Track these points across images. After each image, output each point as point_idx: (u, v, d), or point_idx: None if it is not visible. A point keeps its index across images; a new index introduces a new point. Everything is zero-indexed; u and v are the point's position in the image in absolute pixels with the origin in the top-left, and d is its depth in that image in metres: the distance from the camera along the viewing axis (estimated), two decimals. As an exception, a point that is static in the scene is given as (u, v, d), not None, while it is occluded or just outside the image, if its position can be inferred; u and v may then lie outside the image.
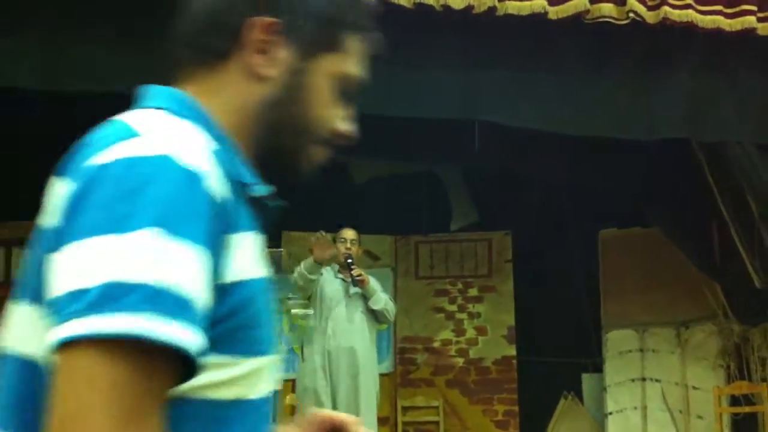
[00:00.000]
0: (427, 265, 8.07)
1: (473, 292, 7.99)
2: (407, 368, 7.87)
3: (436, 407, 7.67)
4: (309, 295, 5.70)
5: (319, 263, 5.57)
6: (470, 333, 7.92)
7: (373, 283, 5.72)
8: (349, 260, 5.63)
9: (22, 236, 6.20)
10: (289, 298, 5.72)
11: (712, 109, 5.14)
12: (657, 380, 7.33)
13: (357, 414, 5.39)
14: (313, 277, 5.56)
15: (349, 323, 5.57)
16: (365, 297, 5.65)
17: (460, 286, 8.01)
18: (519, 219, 7.74)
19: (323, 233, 5.66)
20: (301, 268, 5.59)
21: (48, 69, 4.61)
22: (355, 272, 5.57)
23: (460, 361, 7.87)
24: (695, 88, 5.09)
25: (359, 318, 5.61)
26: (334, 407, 5.42)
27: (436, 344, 7.91)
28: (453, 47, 4.90)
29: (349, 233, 5.79)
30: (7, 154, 7.09)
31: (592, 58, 5.09)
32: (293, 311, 5.79)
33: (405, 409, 7.67)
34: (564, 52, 5.04)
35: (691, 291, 7.17)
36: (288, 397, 6.93)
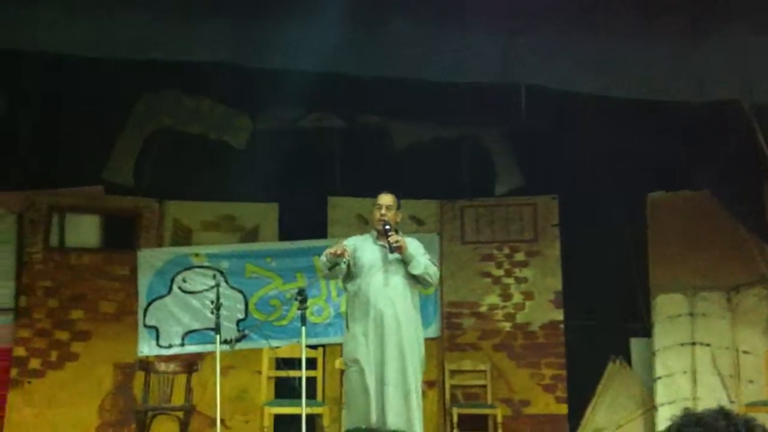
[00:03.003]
0: (472, 229, 8.05)
1: (519, 256, 7.96)
2: (454, 332, 7.89)
3: (484, 371, 7.69)
4: (334, 276, 5.63)
5: (333, 260, 5.49)
6: (517, 297, 7.90)
7: (413, 247, 5.62)
8: (386, 227, 5.52)
9: (76, 203, 6.32)
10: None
11: (763, 70, 5.03)
12: (707, 344, 7.27)
13: (404, 377, 5.43)
14: (330, 264, 5.48)
15: (389, 289, 5.53)
16: (405, 262, 5.60)
17: (506, 250, 7.98)
18: (565, 183, 7.67)
19: (346, 248, 5.54)
20: (323, 258, 5.54)
21: (97, 38, 4.69)
22: (392, 239, 5.47)
23: (507, 325, 7.87)
24: (745, 49, 4.98)
25: (400, 283, 5.55)
26: (381, 373, 5.44)
27: (483, 309, 7.91)
28: (495, 10, 4.85)
29: (385, 198, 5.65)
30: (61, 122, 7.23)
31: (639, 18, 5.01)
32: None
33: (452, 372, 7.71)
34: (609, 13, 4.97)
35: (742, 254, 7.08)
36: (337, 361, 7.02)
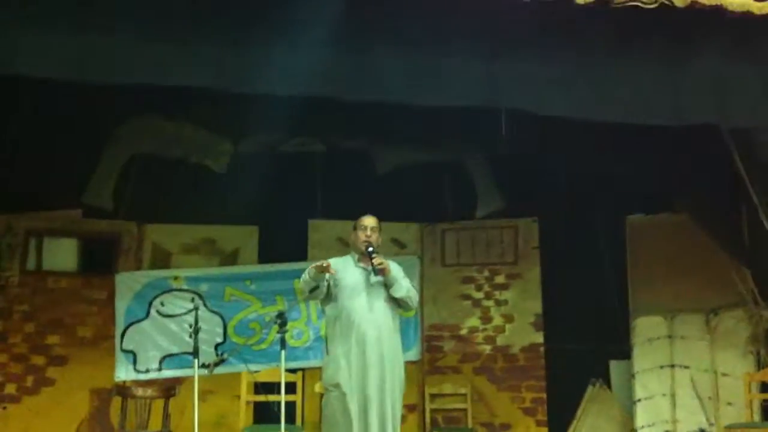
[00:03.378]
0: (453, 252, 8.05)
1: (500, 279, 7.97)
2: (434, 356, 7.88)
3: (464, 394, 7.67)
4: (316, 296, 5.60)
5: (321, 275, 5.49)
6: (497, 320, 7.91)
7: (395, 270, 5.60)
8: (370, 249, 5.50)
9: (54, 226, 6.26)
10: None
11: (741, 94, 5.08)
12: (686, 367, 7.29)
13: (383, 402, 5.39)
14: (313, 283, 5.47)
15: (371, 312, 5.50)
16: (387, 285, 5.58)
17: (486, 273, 7.99)
18: (545, 205, 7.70)
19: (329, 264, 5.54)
20: (305, 275, 5.53)
21: (78, 61, 4.66)
22: (376, 261, 5.46)
23: (487, 348, 7.87)
24: (723, 73, 5.03)
25: (381, 306, 5.53)
26: (362, 397, 5.41)
27: (463, 332, 7.91)
28: (476, 35, 4.87)
29: (368, 220, 5.63)
30: (40, 146, 7.17)
31: (618, 43, 5.05)
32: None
33: (433, 396, 7.69)
34: (589, 38, 5.00)
35: (720, 277, 7.11)
36: (316, 385, 6.97)
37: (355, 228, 5.72)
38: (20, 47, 4.61)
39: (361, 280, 5.57)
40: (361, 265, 5.61)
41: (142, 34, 4.72)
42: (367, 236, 5.59)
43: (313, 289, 5.50)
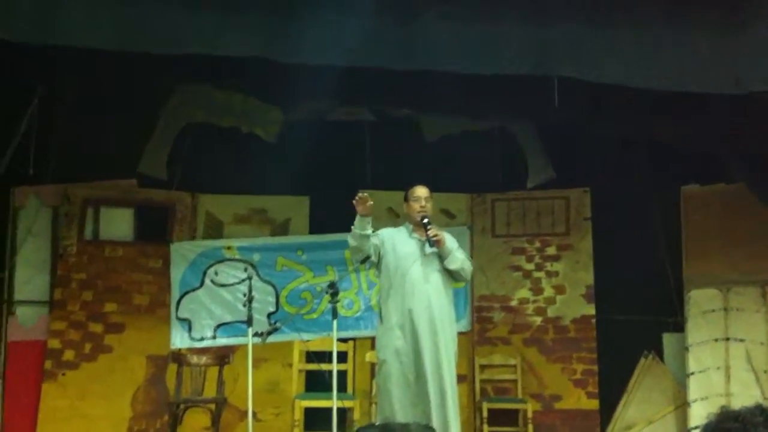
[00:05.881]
0: (503, 222, 8.02)
1: (551, 250, 7.91)
2: (484, 326, 7.87)
3: (514, 365, 7.67)
4: (365, 258, 5.58)
5: (365, 215, 5.46)
6: (548, 291, 7.87)
7: (450, 242, 5.60)
8: (425, 220, 5.50)
9: (110, 196, 6.40)
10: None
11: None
12: (741, 340, 7.19)
13: (439, 371, 5.41)
14: (362, 232, 5.45)
15: (425, 283, 5.51)
16: (441, 256, 5.57)
17: (537, 244, 7.94)
18: (598, 175, 7.61)
19: (362, 193, 5.52)
20: (352, 227, 5.54)
21: (131, 32, 4.72)
22: (431, 232, 5.45)
23: (537, 319, 7.83)
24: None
25: (435, 277, 5.53)
26: (417, 365, 5.43)
27: (513, 303, 7.88)
28: (527, 1, 4.81)
29: (422, 191, 5.64)
30: (96, 117, 7.29)
31: (675, 8, 4.95)
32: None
33: (482, 367, 7.69)
34: (645, 3, 4.91)
35: (777, 248, 6.98)
36: (367, 354, 7.03)
37: (407, 199, 5.73)
38: (74, 19, 4.69)
39: (416, 251, 5.58)
40: (416, 235, 5.62)
41: (191, 5, 4.77)
42: (421, 206, 5.59)
43: (361, 244, 5.48)
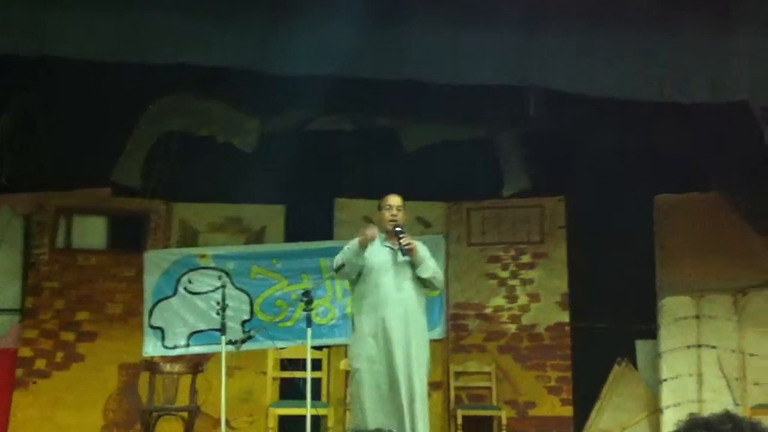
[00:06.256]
0: (479, 231, 8.04)
1: (526, 258, 7.94)
2: (459, 334, 7.89)
3: (489, 373, 7.68)
4: (347, 275, 5.63)
5: (364, 246, 5.52)
6: (523, 299, 7.89)
7: (422, 250, 5.63)
8: (398, 228, 5.53)
9: (83, 204, 6.34)
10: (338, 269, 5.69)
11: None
12: (713, 347, 7.25)
13: (410, 380, 5.41)
14: (357, 261, 5.49)
15: (398, 292, 5.52)
16: (413, 265, 5.59)
17: (512, 252, 7.97)
18: (572, 184, 7.66)
19: (373, 229, 5.60)
20: (345, 248, 5.57)
21: (122, 42, 4.70)
22: (403, 241, 5.47)
23: (512, 327, 7.86)
24: (760, 51, 4.96)
25: (408, 286, 5.55)
26: (390, 374, 5.43)
27: (488, 310, 7.90)
28: (507, 12, 4.84)
29: (395, 200, 5.65)
30: (70, 124, 7.24)
31: (653, 20, 4.99)
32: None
33: (457, 374, 7.70)
34: (620, 13, 4.95)
35: (749, 256, 7.05)
36: (342, 362, 7.02)
37: (380, 207, 5.73)
38: (50, 27, 4.66)
39: (388, 259, 5.59)
40: (388, 244, 5.63)
41: (171, 15, 4.75)
42: (393, 215, 5.60)
43: (352, 263, 5.51)
